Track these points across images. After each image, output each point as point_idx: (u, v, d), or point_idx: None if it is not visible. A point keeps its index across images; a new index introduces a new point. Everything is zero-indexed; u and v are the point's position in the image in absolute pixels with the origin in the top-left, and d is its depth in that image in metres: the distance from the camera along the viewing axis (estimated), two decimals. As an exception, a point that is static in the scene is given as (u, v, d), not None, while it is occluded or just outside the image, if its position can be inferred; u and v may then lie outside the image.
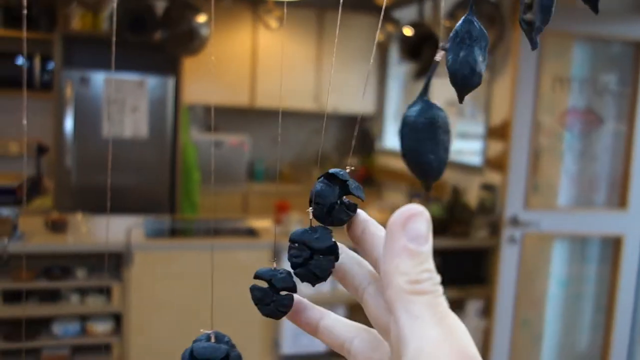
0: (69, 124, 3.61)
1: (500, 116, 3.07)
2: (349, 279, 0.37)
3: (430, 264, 0.27)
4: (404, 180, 4.20)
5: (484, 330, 3.02)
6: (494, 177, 3.14)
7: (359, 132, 5.14)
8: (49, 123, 4.16)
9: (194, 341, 0.35)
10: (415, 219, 0.26)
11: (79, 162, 3.69)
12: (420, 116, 0.33)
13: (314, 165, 4.93)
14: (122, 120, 3.68)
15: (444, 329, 0.25)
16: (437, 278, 0.27)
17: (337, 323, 0.37)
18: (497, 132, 2.99)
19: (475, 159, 3.50)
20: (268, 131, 4.89)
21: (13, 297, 2.41)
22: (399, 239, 0.26)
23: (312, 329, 0.38)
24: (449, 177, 3.51)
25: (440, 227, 3.05)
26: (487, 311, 3.03)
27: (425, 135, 0.32)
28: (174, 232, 3.13)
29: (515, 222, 2.48)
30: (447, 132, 0.33)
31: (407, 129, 0.33)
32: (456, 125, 3.78)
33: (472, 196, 3.22)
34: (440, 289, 0.27)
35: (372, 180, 4.84)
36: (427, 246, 0.27)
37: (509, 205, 2.48)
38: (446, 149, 0.33)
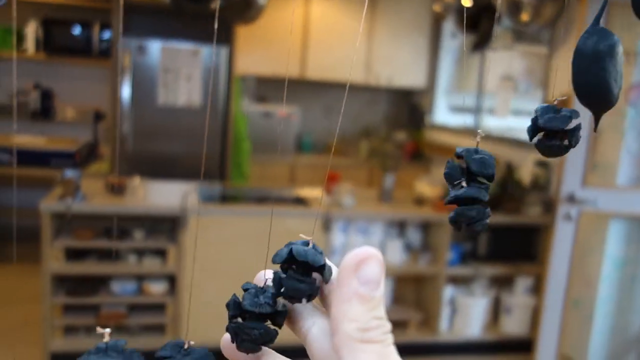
0: (126, 91, 3.69)
1: (559, 91, 2.98)
2: (293, 316, 0.34)
3: (381, 311, 0.25)
4: (453, 155, 4.15)
5: (533, 308, 3.00)
6: (549, 154, 3.08)
7: (408, 106, 5.09)
8: (107, 90, 4.26)
9: (290, 244, 0.33)
10: (368, 263, 0.25)
11: (135, 129, 3.78)
12: (600, 43, 0.31)
13: (363, 138, 4.91)
14: (177, 89, 3.75)
15: None
16: (388, 326, 0.25)
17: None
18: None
19: (525, 135, 3.43)
20: (318, 103, 4.89)
21: (75, 255, 2.51)
22: (350, 283, 0.25)
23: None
24: (502, 152, 3.45)
25: (492, 203, 3.01)
26: (536, 289, 2.99)
27: (607, 62, 0.32)
28: (226, 199, 3.19)
29: (571, 199, 2.43)
30: (621, 58, 0.33)
31: (589, 56, 0.32)
32: (510, 101, 3.71)
33: (526, 173, 3.16)
34: (390, 337, 0.25)
35: (420, 154, 4.81)
36: (379, 292, 0.25)
37: (566, 182, 2.43)
38: (622, 76, 0.33)
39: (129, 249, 2.55)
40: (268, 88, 4.64)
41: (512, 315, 3.02)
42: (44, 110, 4.26)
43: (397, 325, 2.94)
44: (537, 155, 3.16)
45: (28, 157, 3.84)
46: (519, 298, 3.00)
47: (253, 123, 4.31)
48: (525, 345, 2.95)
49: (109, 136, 4.27)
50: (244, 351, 0.34)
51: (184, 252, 2.52)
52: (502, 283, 3.07)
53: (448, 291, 2.95)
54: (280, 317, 0.33)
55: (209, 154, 4.00)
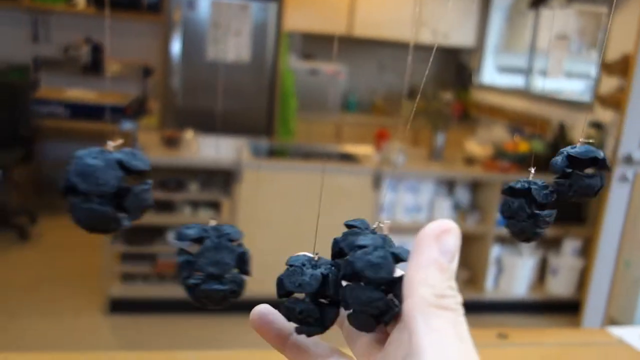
0: (175, 46, 3.73)
1: (617, 51, 2.90)
2: None
3: (455, 283, 0.26)
4: (501, 116, 4.10)
5: (580, 270, 2.98)
6: (604, 115, 3.01)
7: (455, 65, 5.01)
8: (156, 45, 4.30)
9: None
10: (449, 235, 0.26)
11: (184, 84, 3.83)
12: None
13: (407, 98, 4.87)
14: (226, 44, 3.76)
15: (465, 348, 0.24)
16: (460, 298, 0.26)
17: (308, 340, 0.34)
18: (614, 68, 2.84)
19: (583, 97, 3.36)
20: (365, 61, 4.85)
21: (133, 205, 2.59)
22: (431, 251, 0.26)
23: (280, 342, 0.35)
24: (555, 113, 3.39)
25: (544, 164, 2.98)
26: (584, 251, 2.98)
27: None
28: (276, 154, 3.22)
29: (629, 160, 2.39)
30: None
31: None
32: (564, 61, 3.61)
33: (579, 134, 3.10)
34: (462, 310, 0.26)
35: (467, 115, 4.75)
36: (454, 264, 0.26)
37: (623, 143, 2.38)
38: None
39: (184, 200, 2.62)
40: (314, 45, 4.62)
41: (558, 276, 3.01)
42: (94, 65, 4.33)
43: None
44: (591, 116, 3.10)
45: (80, 111, 3.94)
46: (566, 259, 2.99)
47: (299, 80, 4.31)
48: (571, 306, 2.95)
49: (158, 91, 4.33)
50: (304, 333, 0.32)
51: (237, 205, 2.57)
52: (550, 244, 3.05)
53: (495, 250, 2.95)
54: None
55: (256, 109, 4.03)
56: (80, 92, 4.11)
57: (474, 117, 4.68)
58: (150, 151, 2.58)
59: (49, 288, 2.77)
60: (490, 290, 2.97)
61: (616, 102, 2.77)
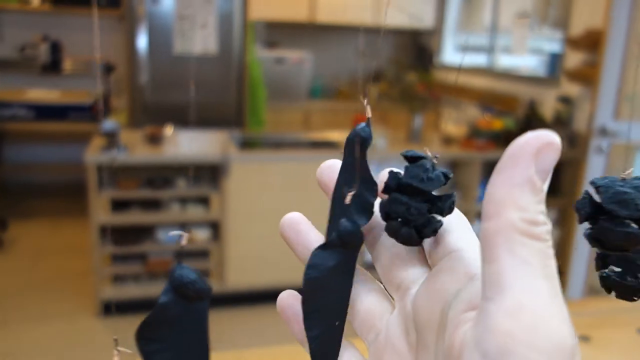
0: (141, 41, 3.65)
1: (580, 27, 3.02)
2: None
3: (545, 207, 0.22)
4: (466, 96, 4.20)
5: (556, 240, 3.11)
6: (571, 89, 3.13)
7: (416, 47, 5.09)
8: (115, 41, 4.20)
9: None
10: (551, 150, 0.22)
11: (152, 80, 3.76)
12: None
13: (371, 82, 4.92)
14: (192, 37, 3.71)
15: (553, 286, 0.21)
16: (550, 226, 0.22)
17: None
18: (580, 43, 2.95)
19: (542, 73, 3.47)
20: (327, 47, 4.87)
21: (120, 205, 2.55)
22: (527, 167, 0.21)
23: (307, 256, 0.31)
24: (520, 90, 3.50)
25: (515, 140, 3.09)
26: (559, 221, 3.10)
27: None
28: (256, 146, 3.22)
29: (603, 132, 2.50)
30: None
31: None
32: (527, 39, 3.72)
33: (548, 109, 3.22)
34: (552, 240, 0.22)
35: (422, 99, 4.83)
36: (547, 185, 0.22)
37: (597, 115, 2.49)
38: None
39: (173, 197, 2.59)
40: (278, 33, 4.60)
41: (536, 247, 3.13)
42: (53, 64, 4.20)
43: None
44: (558, 91, 3.22)
45: (44, 112, 3.82)
46: (543, 231, 3.11)
47: (265, 69, 4.29)
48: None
49: (121, 88, 4.24)
50: (402, 241, 0.28)
51: (226, 199, 2.57)
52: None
53: (476, 227, 3.04)
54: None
55: (225, 101, 4.00)
56: (42, 93, 3.98)
57: (434, 98, 4.77)
58: (135, 149, 2.54)
59: (35, 294, 2.71)
60: (474, 265, 3.06)
61: (584, 76, 2.88)
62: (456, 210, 0.29)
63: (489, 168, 3.02)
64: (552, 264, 0.21)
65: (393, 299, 0.29)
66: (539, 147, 0.22)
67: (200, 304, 0.27)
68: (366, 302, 0.29)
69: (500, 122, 3.13)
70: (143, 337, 0.27)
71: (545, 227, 0.21)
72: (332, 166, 0.32)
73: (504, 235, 0.21)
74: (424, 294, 0.26)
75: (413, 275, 0.28)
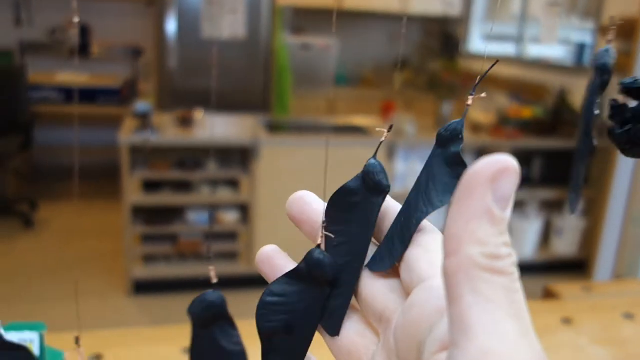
0: (170, 26, 3.68)
1: (614, 14, 2.98)
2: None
3: (509, 238, 0.21)
4: (492, 85, 4.17)
5: (584, 230, 3.10)
6: (602, 79, 3.10)
7: (443, 35, 5.06)
8: (144, 26, 4.24)
9: None
10: (508, 175, 0.20)
11: (181, 64, 3.79)
12: None
13: (397, 70, 4.91)
14: (221, 22, 3.72)
15: (522, 325, 0.19)
16: (515, 257, 0.20)
17: None
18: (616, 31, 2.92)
19: (573, 62, 3.44)
20: (354, 34, 4.86)
21: (151, 187, 2.59)
22: (484, 197, 0.20)
23: (314, 234, 0.31)
24: (549, 79, 3.47)
25: (545, 129, 3.07)
26: (588, 211, 3.09)
27: None
28: (284, 130, 3.24)
29: (636, 121, 2.48)
30: None
31: None
32: (557, 28, 3.68)
33: (578, 98, 3.19)
34: (518, 273, 0.21)
35: (451, 87, 4.81)
36: (509, 212, 0.20)
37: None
38: None
39: (203, 179, 2.63)
40: (305, 19, 4.60)
41: (562, 237, 3.12)
42: (82, 47, 4.25)
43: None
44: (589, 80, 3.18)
45: (73, 95, 3.87)
46: (570, 220, 3.10)
47: (291, 55, 4.30)
48: (576, 265, 3.07)
49: (148, 72, 4.28)
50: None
51: (255, 182, 2.59)
52: (554, 207, 3.16)
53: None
54: None
55: (252, 86, 4.02)
56: (71, 76, 4.04)
57: (461, 86, 4.75)
58: (167, 132, 2.58)
59: (67, 273, 2.77)
60: (500, 253, 3.06)
61: (617, 65, 2.85)
62: (430, 227, 0.27)
63: (518, 156, 3.01)
64: (520, 299, 0.19)
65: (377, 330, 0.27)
66: (495, 173, 0.20)
67: (378, 197, 0.27)
68: (351, 333, 0.28)
69: (529, 110, 3.12)
70: (328, 216, 0.28)
71: (509, 259, 0.20)
72: (302, 198, 0.30)
73: (465, 273, 0.19)
74: (401, 329, 0.25)
75: (394, 305, 0.26)
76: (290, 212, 0.31)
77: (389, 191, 0.27)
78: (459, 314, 0.19)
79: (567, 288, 1.07)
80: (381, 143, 0.28)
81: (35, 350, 0.56)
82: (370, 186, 0.27)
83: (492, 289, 0.19)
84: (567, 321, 0.91)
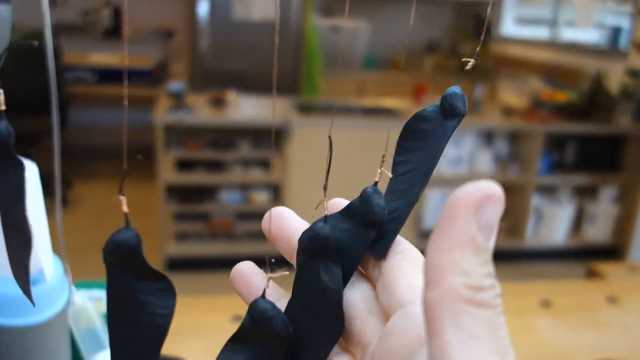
0: (202, 8, 3.69)
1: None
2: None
3: (493, 268, 0.20)
4: (525, 68, 4.11)
5: (616, 217, 3.06)
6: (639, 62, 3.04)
7: (473, 18, 4.99)
8: (174, 8, 4.26)
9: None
10: (492, 203, 0.19)
11: (212, 45, 3.81)
12: None
13: (426, 54, 4.87)
14: (252, 3, 3.73)
15: None
16: (499, 289, 0.19)
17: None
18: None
19: (608, 45, 3.37)
20: (383, 17, 4.82)
21: (184, 166, 2.63)
22: (467, 225, 0.19)
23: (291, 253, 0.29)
24: (584, 63, 3.41)
25: (580, 113, 3.03)
26: (621, 197, 3.04)
27: None
28: (314, 111, 3.24)
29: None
30: None
31: None
32: (593, 11, 3.61)
33: (614, 82, 3.14)
34: (502, 306, 0.19)
35: (484, 70, 4.76)
36: (493, 240, 0.20)
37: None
38: None
39: (235, 159, 2.65)
40: (335, 1, 4.58)
41: (595, 223, 3.08)
42: (115, 29, 4.29)
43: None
44: (625, 64, 3.12)
45: (107, 76, 3.93)
46: (603, 207, 3.06)
47: (320, 37, 4.29)
48: (609, 252, 3.04)
49: (179, 54, 4.31)
50: None
51: (287, 162, 2.61)
52: (586, 193, 3.12)
53: (535, 200, 3.02)
54: None
55: (281, 68, 4.02)
56: (104, 57, 4.08)
57: (494, 70, 4.69)
58: (200, 112, 2.60)
59: (78, 260, 2.82)
60: (530, 238, 3.04)
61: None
62: (410, 247, 0.26)
63: (551, 140, 2.98)
64: (504, 334, 0.18)
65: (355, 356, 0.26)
66: (479, 200, 0.19)
67: (452, 121, 0.27)
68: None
69: (563, 94, 3.07)
70: (398, 145, 0.28)
71: (493, 291, 0.19)
72: (280, 214, 0.29)
73: (447, 305, 0.18)
74: (378, 356, 0.24)
75: (372, 329, 0.25)
76: (267, 227, 0.29)
77: (464, 115, 0.27)
78: (440, 349, 0.18)
79: (611, 268, 1.07)
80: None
81: (104, 306, 0.58)
82: (446, 110, 0.27)
83: (475, 323, 0.18)
84: (612, 300, 0.91)
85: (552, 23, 4.08)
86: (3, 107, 0.24)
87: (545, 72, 3.78)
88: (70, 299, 0.49)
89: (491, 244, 0.19)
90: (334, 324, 0.24)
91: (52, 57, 0.84)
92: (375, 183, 0.27)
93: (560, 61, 3.74)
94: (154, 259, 2.69)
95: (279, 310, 0.24)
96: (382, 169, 0.27)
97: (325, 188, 0.27)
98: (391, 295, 0.24)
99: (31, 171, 0.44)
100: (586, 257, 3.11)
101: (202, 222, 2.69)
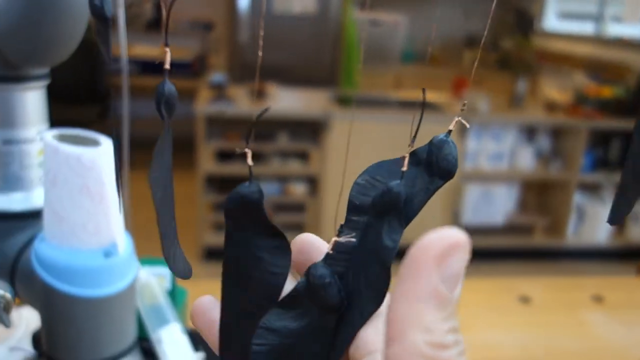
0: (242, 1, 3.72)
1: None
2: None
3: (457, 321, 0.19)
4: (569, 63, 4.03)
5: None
6: (690, 58, 2.95)
7: (514, 11, 4.91)
8: (218, 1, 4.30)
9: None
10: (457, 252, 0.18)
11: (251, 39, 3.83)
12: None
13: (465, 47, 4.81)
14: (292, -4, 3.74)
15: None
16: (462, 345, 0.19)
17: None
18: None
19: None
20: (422, 10, 4.78)
21: (224, 157, 2.65)
22: (431, 277, 0.18)
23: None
24: (632, 59, 3.32)
25: (626, 109, 2.95)
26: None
27: None
28: (357, 105, 3.23)
29: None
30: None
31: None
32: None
33: (663, 78, 3.05)
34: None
35: (528, 64, 4.67)
36: (458, 290, 0.19)
37: None
38: None
39: (274, 151, 2.66)
40: (374, -5, 4.55)
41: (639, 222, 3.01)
42: (156, 21, 4.35)
43: (523, 230, 3.00)
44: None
45: (148, 67, 3.98)
46: (648, 206, 2.98)
47: (359, 30, 4.27)
48: (653, 252, 2.96)
49: (218, 46, 4.35)
50: None
51: (325, 155, 2.61)
52: (631, 191, 3.04)
53: (577, 197, 2.96)
54: None
55: (319, 61, 4.02)
56: (145, 49, 4.14)
57: (536, 64, 4.60)
58: (240, 103, 2.62)
59: (139, 239, 2.87)
60: (572, 237, 2.98)
61: None
62: None
63: (596, 136, 2.91)
64: None
65: None
66: (443, 250, 0.18)
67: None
68: None
69: (609, 89, 3.00)
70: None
71: (456, 348, 0.18)
72: (306, 240, 0.27)
73: None
74: None
75: None
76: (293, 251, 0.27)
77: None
78: None
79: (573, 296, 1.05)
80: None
81: (167, 284, 0.59)
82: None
83: None
84: (667, 296, 0.89)
85: (598, 17, 3.98)
86: (167, 67, 0.24)
87: (590, 67, 3.69)
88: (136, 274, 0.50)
89: (457, 294, 0.18)
90: (381, 283, 0.23)
91: (125, 49, 0.86)
92: (449, 132, 0.25)
93: (605, 56, 3.65)
94: (193, 248, 2.73)
95: (337, 279, 0.23)
96: (458, 117, 0.25)
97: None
98: (358, 340, 0.23)
99: (109, 147, 0.45)
100: (630, 257, 3.03)
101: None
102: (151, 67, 3.92)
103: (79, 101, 3.40)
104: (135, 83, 3.97)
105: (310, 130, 2.73)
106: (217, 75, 2.59)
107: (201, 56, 4.29)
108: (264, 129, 2.68)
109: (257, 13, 3.77)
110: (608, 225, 2.54)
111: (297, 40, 3.87)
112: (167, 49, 0.24)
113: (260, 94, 2.67)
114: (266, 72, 3.78)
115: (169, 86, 0.24)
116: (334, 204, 2.67)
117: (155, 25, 4.28)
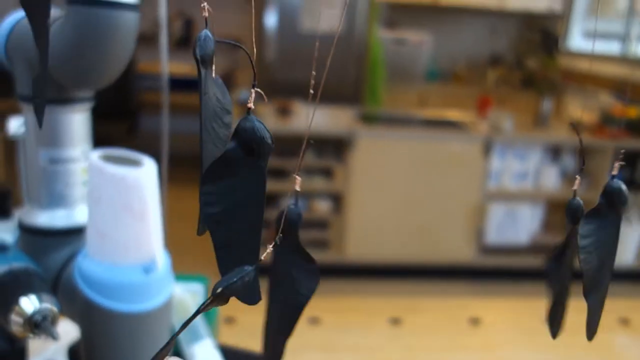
0: (270, 19, 3.78)
1: None
2: None
3: None
4: (594, 83, 4.00)
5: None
6: None
7: (540, 31, 4.90)
8: (243, 19, 4.38)
9: None
10: None
11: (278, 56, 3.89)
12: None
13: (489, 67, 4.81)
14: (319, 16, 3.79)
15: None
16: None
17: None
18: None
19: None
20: (447, 30, 4.80)
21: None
22: None
23: None
24: (660, 78, 3.30)
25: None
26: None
27: None
28: (376, 122, 3.26)
29: None
30: None
31: None
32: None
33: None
34: None
35: (552, 83, 4.65)
36: None
37: None
38: None
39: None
40: (400, 13, 4.60)
41: (667, 244, 2.96)
42: (185, 39, 4.44)
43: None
44: None
45: (177, 84, 4.06)
46: (675, 227, 2.94)
47: (384, 49, 4.31)
48: (681, 274, 2.91)
49: (245, 64, 4.41)
50: None
51: (350, 172, 2.63)
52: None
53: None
54: None
55: (345, 79, 4.06)
56: (175, 66, 4.23)
57: (561, 85, 4.58)
58: (266, 120, 2.66)
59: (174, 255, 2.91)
60: (597, 257, 2.94)
61: None
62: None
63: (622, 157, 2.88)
64: None
65: None
66: None
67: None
68: None
69: (636, 110, 2.98)
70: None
71: None
72: None
73: None
74: None
75: None
76: None
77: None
78: None
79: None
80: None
81: (200, 299, 0.61)
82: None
83: None
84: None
85: (624, 37, 3.96)
86: (251, 105, 0.25)
87: (616, 87, 3.66)
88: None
89: None
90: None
91: (167, 68, 0.89)
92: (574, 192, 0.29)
93: (632, 77, 3.62)
94: (215, 264, 2.76)
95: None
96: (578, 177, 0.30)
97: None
98: None
99: (152, 167, 0.48)
100: (657, 279, 2.98)
101: (264, 229, 2.73)
102: (180, 84, 4.00)
103: (109, 117, 3.48)
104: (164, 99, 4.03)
105: (335, 147, 2.75)
106: (244, 92, 2.64)
107: (228, 73, 4.36)
108: (288, 145, 2.71)
109: (284, 31, 3.82)
110: (635, 246, 2.52)
111: (323, 58, 3.91)
112: (253, 91, 0.25)
113: (285, 111, 2.71)
114: (292, 89, 3.83)
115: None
116: (358, 221, 2.69)
117: (184, 43, 4.37)
